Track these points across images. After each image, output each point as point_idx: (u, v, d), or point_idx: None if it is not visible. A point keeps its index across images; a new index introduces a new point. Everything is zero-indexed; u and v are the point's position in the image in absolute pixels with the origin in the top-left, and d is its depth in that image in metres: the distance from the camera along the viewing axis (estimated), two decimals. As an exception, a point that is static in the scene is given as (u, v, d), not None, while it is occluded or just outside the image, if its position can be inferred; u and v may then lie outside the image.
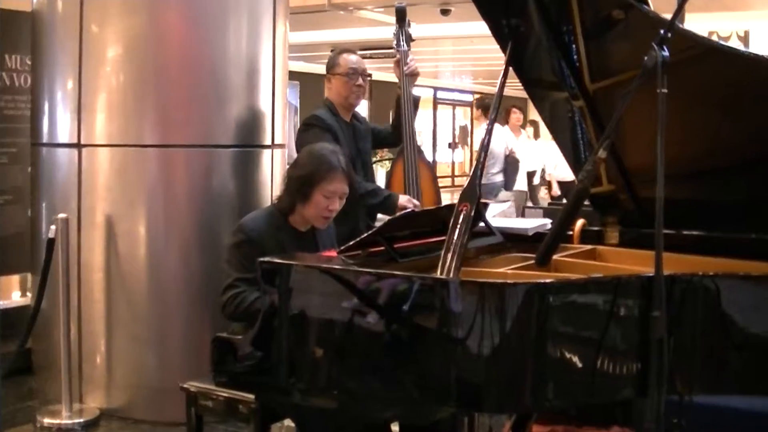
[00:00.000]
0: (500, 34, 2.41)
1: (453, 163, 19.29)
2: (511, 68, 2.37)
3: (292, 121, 7.11)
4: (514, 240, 2.54)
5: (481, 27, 2.50)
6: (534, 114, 8.32)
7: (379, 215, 3.42)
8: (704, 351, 1.92)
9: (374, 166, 3.97)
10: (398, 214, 3.08)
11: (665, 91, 1.66)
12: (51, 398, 3.54)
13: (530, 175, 8.50)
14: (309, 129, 3.27)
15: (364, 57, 3.72)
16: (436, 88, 19.08)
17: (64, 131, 3.52)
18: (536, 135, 9.38)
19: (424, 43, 11.03)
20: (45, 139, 3.63)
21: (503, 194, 7.37)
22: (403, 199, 3.32)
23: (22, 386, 3.77)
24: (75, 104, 3.45)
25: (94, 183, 3.45)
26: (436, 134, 19.19)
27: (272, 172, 3.64)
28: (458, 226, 2.01)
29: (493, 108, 2.37)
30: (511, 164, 7.43)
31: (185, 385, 2.59)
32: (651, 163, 1.67)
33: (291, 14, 3.94)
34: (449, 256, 1.93)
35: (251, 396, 2.41)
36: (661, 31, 1.72)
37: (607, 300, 1.87)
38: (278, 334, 2.06)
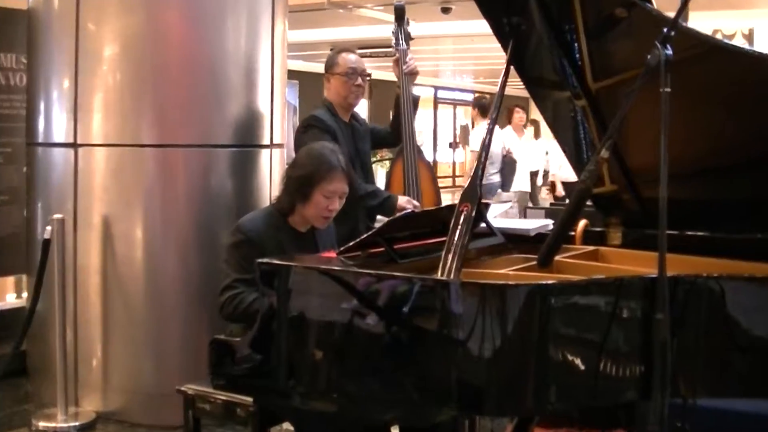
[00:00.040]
0: (501, 33, 2.41)
1: (454, 163, 19.30)
2: (512, 67, 2.38)
3: (291, 121, 7.12)
4: (515, 241, 2.54)
5: (482, 25, 2.50)
6: (534, 113, 8.33)
7: (379, 216, 3.42)
8: (708, 353, 1.92)
9: (374, 166, 3.97)
10: (398, 214, 3.08)
11: (669, 90, 1.67)
12: (46, 401, 3.54)
13: (533, 176, 8.50)
14: (308, 130, 3.27)
15: (363, 56, 3.72)
16: (436, 87, 19.10)
17: (60, 131, 3.52)
18: (536, 135, 9.38)
19: (424, 42, 11.04)
20: (41, 138, 3.63)
21: (506, 195, 7.38)
22: (403, 200, 3.32)
23: (17, 389, 3.77)
24: (71, 103, 3.45)
25: (91, 183, 3.45)
26: (436, 134, 19.20)
27: (271, 172, 3.65)
28: (459, 226, 2.01)
29: (494, 107, 2.37)
30: (508, 164, 7.43)
31: (182, 388, 2.59)
32: (654, 162, 1.67)
33: (290, 12, 3.94)
34: (450, 257, 1.93)
35: (249, 399, 2.41)
36: (665, 30, 1.73)
37: (610, 302, 1.87)
38: (277, 336, 2.06)
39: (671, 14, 1.81)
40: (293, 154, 3.07)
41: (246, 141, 3.57)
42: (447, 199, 7.42)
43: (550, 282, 1.87)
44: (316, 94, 3.90)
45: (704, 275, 1.92)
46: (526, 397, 1.83)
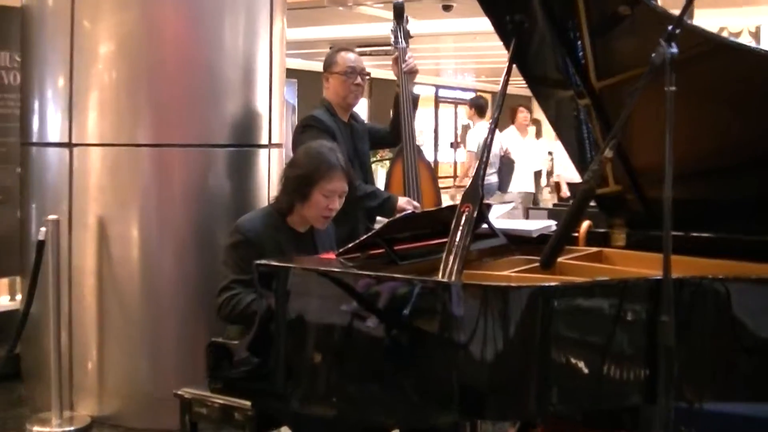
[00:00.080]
0: (503, 31, 2.41)
1: (455, 163, 19.29)
2: (514, 66, 2.38)
3: (289, 120, 7.12)
4: (517, 242, 2.54)
5: (484, 23, 2.50)
6: (536, 113, 8.33)
7: (378, 217, 3.42)
8: (714, 356, 1.92)
9: (374, 166, 3.97)
10: (398, 215, 3.08)
11: (674, 88, 1.67)
12: (41, 406, 3.54)
13: (536, 176, 8.50)
14: (306, 130, 3.27)
15: (363, 54, 3.73)
16: (437, 86, 19.09)
17: (55, 130, 3.52)
18: (538, 134, 9.38)
19: (425, 40, 11.06)
20: (35, 138, 3.63)
21: (509, 195, 7.38)
22: (403, 201, 3.32)
23: (10, 393, 3.77)
24: (66, 102, 3.45)
25: (86, 184, 3.45)
26: (437, 133, 19.20)
27: (269, 172, 3.65)
28: (460, 227, 2.01)
29: (496, 106, 2.38)
30: (506, 165, 7.43)
31: (179, 392, 2.59)
32: (659, 162, 1.67)
33: (289, 10, 3.94)
34: (451, 258, 1.93)
35: (247, 403, 2.41)
36: (669, 27, 1.73)
37: (614, 304, 1.88)
38: (275, 338, 2.06)
39: (676, 12, 1.81)
40: (292, 155, 3.07)
41: (244, 141, 3.57)
42: (448, 199, 7.41)
43: (552, 284, 1.87)
44: (315, 93, 3.90)
45: (710, 277, 1.92)
46: (528, 401, 1.83)
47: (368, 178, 3.50)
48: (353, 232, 3.07)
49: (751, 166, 2.18)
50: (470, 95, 20.40)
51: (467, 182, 2.17)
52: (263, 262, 2.11)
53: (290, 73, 4.61)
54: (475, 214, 2.05)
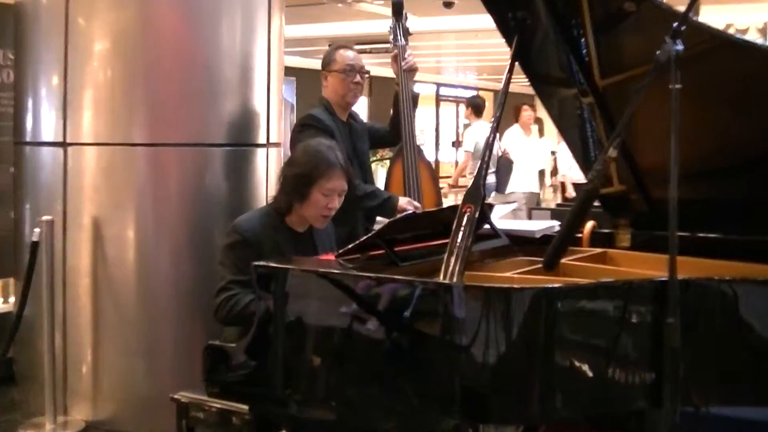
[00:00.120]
0: (506, 28, 2.42)
1: (457, 163, 19.29)
2: (517, 63, 2.38)
3: (288, 119, 7.13)
4: (520, 243, 2.54)
5: (486, 20, 2.50)
6: (539, 111, 8.32)
7: (378, 218, 3.42)
8: (721, 360, 1.92)
9: (374, 165, 3.98)
10: (398, 216, 3.08)
11: (679, 86, 1.67)
12: (34, 410, 3.54)
13: (540, 175, 8.49)
14: (305, 129, 3.27)
15: (363, 52, 3.73)
16: (438, 84, 19.09)
17: (49, 129, 3.52)
18: (540, 133, 9.38)
19: (426, 38, 11.06)
20: (29, 137, 3.63)
21: (514, 196, 7.37)
22: (403, 201, 3.32)
23: (3, 397, 3.77)
24: (60, 101, 3.45)
25: (81, 183, 3.45)
26: (438, 132, 19.20)
27: (267, 172, 3.65)
28: (462, 228, 2.01)
29: (498, 105, 2.38)
30: (504, 165, 7.42)
31: (176, 396, 2.59)
32: (664, 162, 1.68)
33: (287, 7, 3.94)
34: (452, 259, 1.93)
35: (245, 407, 2.41)
36: (675, 24, 1.73)
37: (618, 306, 1.88)
38: (274, 341, 2.06)
39: (681, 8, 1.81)
40: (290, 154, 3.07)
41: (241, 140, 3.57)
42: (449, 200, 7.42)
43: (556, 285, 1.87)
44: (314, 92, 3.90)
45: (716, 278, 1.92)
46: (531, 405, 1.83)
47: (368, 177, 3.50)
48: (353, 233, 3.08)
49: (758, 165, 2.18)
50: (472, 93, 20.41)
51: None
52: (262, 263, 2.11)
53: (288, 71, 4.61)
54: (476, 215, 2.05)
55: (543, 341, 1.81)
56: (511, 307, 1.79)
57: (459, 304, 1.81)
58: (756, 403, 2.07)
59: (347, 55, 3.41)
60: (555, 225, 2.65)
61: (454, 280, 1.88)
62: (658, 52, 1.71)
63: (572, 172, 8.03)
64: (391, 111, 3.65)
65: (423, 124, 17.77)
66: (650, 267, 2.17)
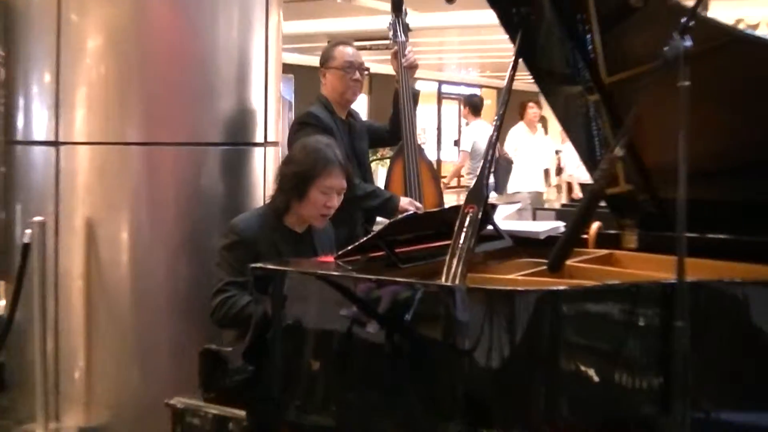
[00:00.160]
0: (509, 24, 2.42)
1: (458, 163, 19.30)
2: (521, 60, 2.38)
3: (286, 117, 7.13)
4: (524, 244, 2.54)
5: (489, 16, 2.50)
6: (543, 109, 8.31)
7: (379, 218, 3.42)
8: (732, 365, 1.92)
9: (374, 165, 3.98)
10: (399, 216, 3.08)
11: (688, 83, 1.67)
12: (25, 417, 3.53)
13: (545, 174, 8.49)
14: (303, 128, 3.27)
15: (362, 49, 3.73)
16: (440, 82, 19.10)
17: (41, 128, 3.52)
18: (545, 131, 9.38)
19: (427, 33, 11.07)
20: (20, 136, 3.63)
21: (519, 196, 7.37)
22: (405, 202, 3.32)
23: (-6, 403, 3.77)
24: (52, 99, 3.45)
25: (74, 184, 3.45)
26: (440, 131, 19.20)
27: (265, 172, 3.64)
28: (464, 229, 2.01)
29: (501, 102, 2.38)
30: (502, 166, 7.42)
31: (171, 402, 2.59)
32: (672, 161, 1.67)
33: (285, 3, 3.94)
34: (455, 261, 1.93)
35: (242, 413, 2.40)
36: (683, 20, 1.73)
37: (625, 309, 1.87)
38: (272, 345, 2.06)
39: (690, 3, 1.81)
40: (288, 153, 3.07)
41: (238, 139, 3.56)
42: (452, 200, 7.42)
43: (561, 288, 1.87)
44: (313, 89, 3.90)
45: (726, 280, 1.92)
46: (536, 411, 1.83)
47: (367, 177, 3.50)
48: (352, 234, 3.08)
49: (769, 165, 2.17)
50: (475, 91, 20.42)
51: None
52: (259, 265, 2.11)
53: (287, 68, 4.60)
54: (479, 215, 2.05)
55: (548, 345, 1.81)
56: (514, 310, 1.79)
57: (461, 307, 1.81)
58: None
59: (346, 51, 3.41)
60: (560, 226, 2.65)
61: (457, 282, 1.88)
62: (665, 49, 1.71)
63: (580, 172, 8.02)
64: (392, 109, 3.66)
65: (424, 123, 17.77)
66: (658, 269, 2.17)
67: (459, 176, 8.53)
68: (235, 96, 3.55)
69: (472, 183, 6.93)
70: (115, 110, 3.40)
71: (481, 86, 20.81)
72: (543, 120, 9.33)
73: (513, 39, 2.38)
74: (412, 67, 3.61)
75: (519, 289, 1.87)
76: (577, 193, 8.21)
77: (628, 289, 1.92)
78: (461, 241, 1.98)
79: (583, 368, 1.84)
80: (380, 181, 4.11)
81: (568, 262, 2.23)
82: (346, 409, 1.97)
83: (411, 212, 3.22)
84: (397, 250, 2.22)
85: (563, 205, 7.08)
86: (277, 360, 2.05)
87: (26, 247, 3.38)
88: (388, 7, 3.91)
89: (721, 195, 2.23)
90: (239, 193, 3.55)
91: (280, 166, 2.70)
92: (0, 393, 3.79)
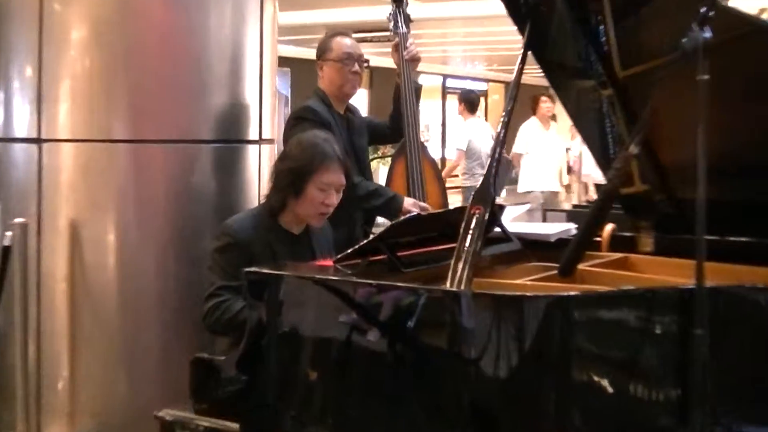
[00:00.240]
0: (517, 14, 2.42)
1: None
2: (530, 53, 2.38)
3: (282, 113, 7.13)
4: (534, 247, 2.54)
5: (496, 5, 2.51)
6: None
7: (379, 219, 3.42)
8: (753, 375, 1.91)
9: (374, 163, 3.98)
10: (402, 217, 3.08)
11: (707, 77, 1.66)
12: (4, 428, 3.54)
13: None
14: (300, 123, 3.27)
15: (363, 41, 3.74)
16: (445, 76, 19.11)
17: (22, 125, 3.52)
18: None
19: (430, 25, 11.07)
20: (0, 133, 3.63)
21: (531, 196, 7.35)
22: (409, 203, 3.32)
23: (-27, 414, 3.76)
24: (35, 94, 3.45)
25: (57, 183, 3.45)
26: (445, 128, 19.20)
27: (260, 171, 3.64)
28: (470, 231, 2.01)
29: (509, 98, 2.38)
30: (501, 165, 7.41)
31: (160, 413, 2.59)
32: (691, 159, 1.67)
33: (281, -8, 3.94)
34: (460, 265, 1.93)
35: (235, 425, 2.40)
36: (702, 9, 1.72)
37: (641, 316, 1.87)
38: (267, 354, 2.06)
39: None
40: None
41: (231, 136, 3.56)
42: (456, 200, 7.42)
43: (572, 293, 1.87)
44: (310, 83, 3.90)
45: (748, 286, 1.92)
46: (546, 423, 1.82)
47: (367, 176, 3.50)
48: (351, 235, 3.08)
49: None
50: (482, 86, 20.45)
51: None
52: (253, 269, 2.11)
53: (282, 61, 4.61)
54: (486, 216, 2.04)
55: (558, 354, 1.81)
56: (523, 316, 1.79)
57: (467, 314, 1.81)
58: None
59: (344, 42, 3.41)
60: (571, 228, 2.65)
61: (462, 287, 1.88)
62: (683, 40, 1.71)
63: (597, 172, 7.98)
64: (392, 105, 3.66)
65: (428, 119, 17.78)
66: (675, 274, 2.17)
67: (453, 176, 8.52)
68: (228, 91, 3.55)
69: (468, 183, 6.94)
70: (100, 105, 3.40)
71: (488, 80, 20.83)
72: (552, 116, 9.34)
73: (521, 30, 2.38)
74: (415, 60, 3.61)
75: (528, 294, 1.87)
76: (592, 195, 8.19)
77: (644, 295, 1.91)
78: (467, 244, 1.98)
79: (595, 378, 1.84)
80: (381, 180, 4.11)
81: (580, 267, 2.23)
82: (344, 420, 1.97)
83: (414, 214, 3.22)
84: (399, 254, 2.22)
85: (575, 206, 7.06)
86: (272, 369, 2.05)
87: (6, 250, 3.38)
88: (389, -4, 3.92)
89: (743, 195, 2.23)
90: (232, 193, 3.55)
91: (275, 163, 2.71)
92: (-21, 403, 3.79)
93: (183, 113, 3.44)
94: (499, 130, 2.35)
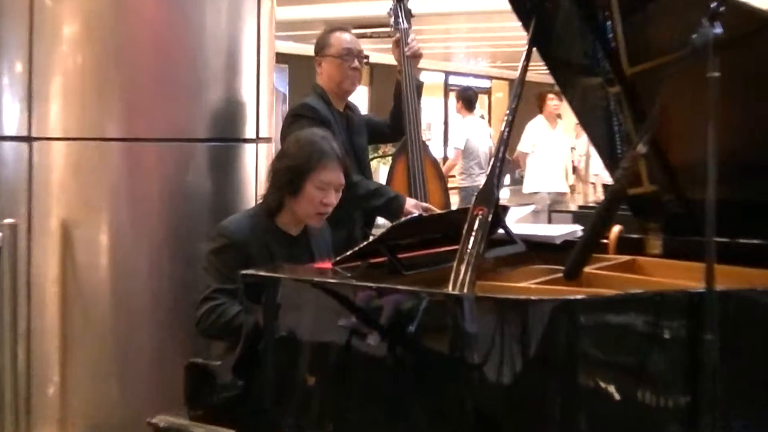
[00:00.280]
0: (522, 9, 2.42)
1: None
2: (535, 50, 2.38)
3: (279, 111, 7.13)
4: (539, 249, 2.54)
5: (500, 1, 2.51)
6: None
7: (379, 220, 3.42)
8: (765, 379, 1.91)
9: (375, 162, 3.98)
10: (403, 219, 3.08)
11: (717, 74, 1.66)
12: (-6, 434, 3.54)
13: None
14: (298, 120, 3.27)
15: (363, 36, 3.74)
16: (447, 73, 19.12)
17: (12, 122, 3.52)
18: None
19: (432, 20, 11.08)
20: (-10, 131, 3.63)
21: (538, 197, 7.35)
22: (410, 204, 3.31)
23: (-40, 420, 3.76)
24: (25, 91, 3.44)
25: (48, 182, 3.45)
26: (447, 126, 19.20)
27: (257, 170, 3.64)
28: (473, 233, 2.01)
29: (513, 95, 2.38)
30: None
31: (153, 420, 2.58)
32: (700, 158, 1.67)
33: (278, -14, 3.95)
34: (463, 267, 1.93)
35: (231, 432, 2.41)
36: (713, 5, 1.73)
37: (649, 320, 1.87)
38: (264, 358, 2.06)
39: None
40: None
41: (228, 134, 3.56)
42: (453, 201, 7.42)
43: (578, 297, 1.87)
44: (308, 80, 3.90)
45: (760, 289, 1.92)
46: (551, 429, 1.82)
47: (366, 175, 3.50)
48: (351, 237, 3.08)
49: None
50: (485, 83, 20.46)
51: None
52: (250, 272, 2.11)
53: (280, 57, 4.61)
54: (490, 218, 2.04)
55: (564, 358, 1.81)
56: (528, 320, 1.79)
57: (470, 318, 1.81)
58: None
59: (343, 38, 3.41)
60: (577, 229, 2.65)
61: (465, 290, 1.88)
62: (693, 36, 1.71)
63: (606, 172, 7.96)
64: (393, 102, 3.66)
65: (429, 117, 17.79)
66: (685, 277, 2.17)
67: (450, 176, 8.51)
68: (224, 88, 3.55)
69: (465, 183, 6.92)
70: (92, 103, 3.40)
71: (491, 77, 20.84)
72: (558, 114, 9.34)
73: (526, 26, 2.38)
74: (416, 56, 3.61)
75: (533, 298, 1.87)
76: (600, 196, 8.18)
77: (652, 299, 1.92)
78: (470, 246, 1.98)
79: (602, 384, 1.84)
80: (381, 180, 4.11)
81: (587, 269, 2.23)
82: (344, 426, 1.97)
83: (415, 215, 3.22)
84: (399, 256, 2.22)
85: (581, 207, 7.05)
86: (269, 374, 2.05)
87: (-4, 251, 3.38)
88: (387, -9, 3.92)
89: (754, 195, 2.23)
90: (229, 193, 3.55)
91: (273, 162, 2.71)
92: (-33, 409, 3.79)
93: (178, 111, 3.44)
94: (503, 129, 2.35)
